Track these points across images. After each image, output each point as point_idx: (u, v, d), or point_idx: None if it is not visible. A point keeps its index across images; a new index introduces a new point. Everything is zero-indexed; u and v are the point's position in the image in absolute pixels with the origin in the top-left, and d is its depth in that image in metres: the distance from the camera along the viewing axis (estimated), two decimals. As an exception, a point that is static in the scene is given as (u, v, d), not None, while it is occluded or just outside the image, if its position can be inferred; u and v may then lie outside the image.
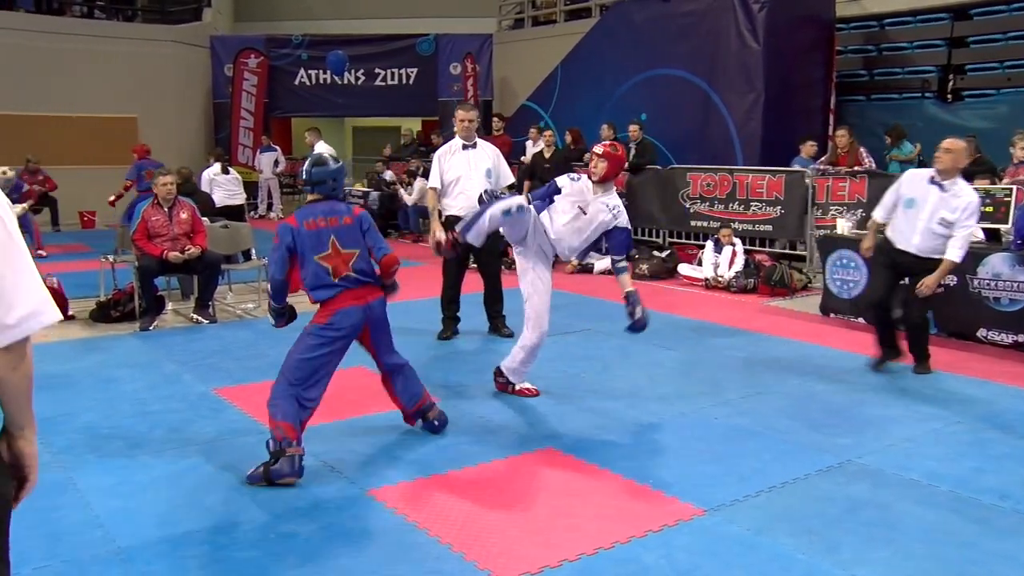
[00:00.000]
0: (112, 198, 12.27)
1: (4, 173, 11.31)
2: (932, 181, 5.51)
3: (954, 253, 5.42)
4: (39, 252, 11.57)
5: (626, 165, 11.11)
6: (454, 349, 6.53)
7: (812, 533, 3.41)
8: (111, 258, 8.19)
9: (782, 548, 3.29)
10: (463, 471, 4.09)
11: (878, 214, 5.92)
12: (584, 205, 4.99)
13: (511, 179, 6.82)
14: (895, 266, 5.72)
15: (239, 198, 11.87)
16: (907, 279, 5.69)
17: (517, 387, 5.27)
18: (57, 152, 14.34)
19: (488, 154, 6.62)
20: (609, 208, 4.98)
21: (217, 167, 11.77)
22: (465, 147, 6.57)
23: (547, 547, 3.30)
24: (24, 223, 11.85)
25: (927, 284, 5.48)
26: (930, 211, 5.47)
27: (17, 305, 1.73)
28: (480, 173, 6.54)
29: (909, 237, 5.58)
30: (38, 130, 14.57)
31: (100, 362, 6.13)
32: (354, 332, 4.35)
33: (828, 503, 3.70)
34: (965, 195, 5.43)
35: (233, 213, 10.93)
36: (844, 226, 7.95)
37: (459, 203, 6.51)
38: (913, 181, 5.66)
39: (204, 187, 11.28)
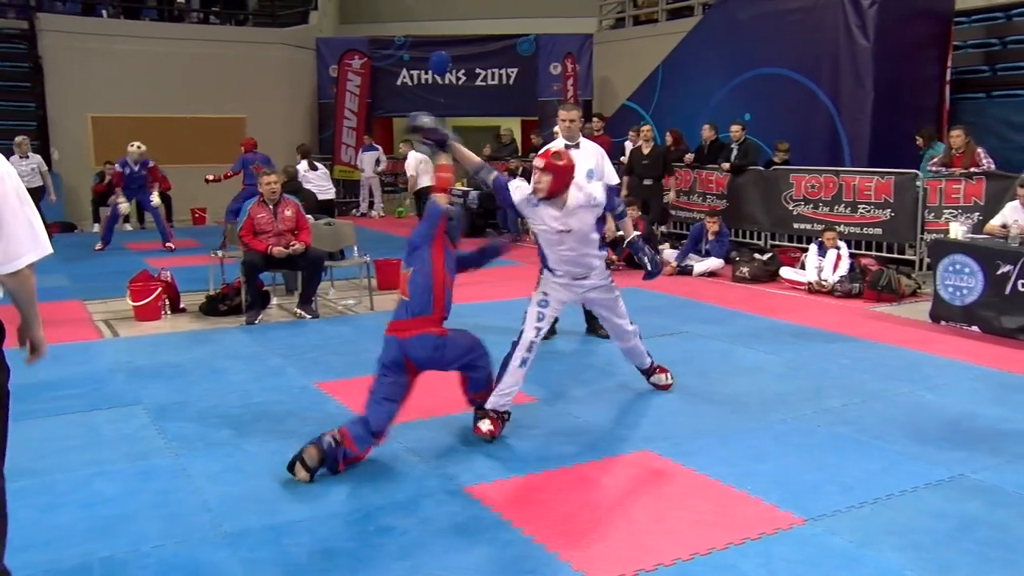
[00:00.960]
0: (211, 177, 12.64)
1: (139, 148, 11.89)
2: None
3: None
4: (167, 246, 12.06)
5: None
6: (551, 349, 6.52)
7: (921, 549, 3.27)
8: (220, 254, 8.51)
9: (889, 563, 3.17)
10: (559, 471, 4.09)
11: None
12: (563, 223, 4.67)
13: (615, 179, 6.72)
14: None
15: (329, 193, 12.09)
16: None
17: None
18: (172, 152, 15.01)
19: (591, 154, 6.57)
20: (585, 195, 4.68)
21: (305, 164, 11.94)
22: (567, 147, 6.56)
23: (642, 550, 3.27)
24: (154, 213, 12.37)
25: None
26: None
27: (13, 244, 2.60)
28: (581, 173, 6.51)
29: None
30: (157, 131, 15.27)
31: (210, 353, 6.37)
32: (397, 367, 4.14)
33: (939, 519, 3.55)
34: None
35: (324, 208, 11.14)
36: (958, 230, 7.60)
37: None
38: None
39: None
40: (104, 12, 16.89)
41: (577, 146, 6.52)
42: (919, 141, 10.01)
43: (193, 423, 4.78)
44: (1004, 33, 11.72)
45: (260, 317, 7.45)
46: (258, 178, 7.82)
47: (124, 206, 12.14)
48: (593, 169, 6.53)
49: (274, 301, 8.14)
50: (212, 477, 4.00)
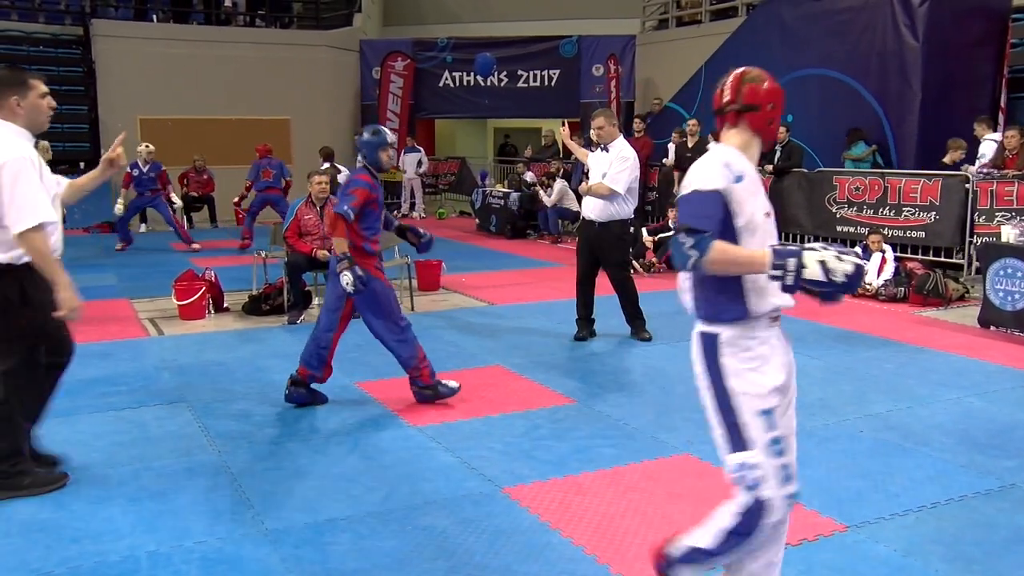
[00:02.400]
0: (236, 199, 12.89)
1: (147, 148, 12.06)
2: None
3: None
4: (193, 246, 12.20)
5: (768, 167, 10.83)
6: (589, 351, 6.51)
7: (971, 561, 3.20)
8: (263, 254, 8.61)
9: (936, 574, 3.11)
10: (597, 473, 4.08)
11: None
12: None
13: (616, 184, 6.55)
14: None
15: None
16: None
17: None
18: (218, 153, 15.25)
19: (610, 158, 6.61)
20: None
21: (327, 167, 12.24)
22: (593, 150, 6.91)
23: (682, 555, 3.24)
24: (165, 216, 12.46)
25: None
26: None
27: (13, 212, 3.48)
28: (596, 176, 6.69)
29: None
30: (204, 132, 15.55)
31: (252, 352, 6.46)
32: None
33: (990, 530, 3.47)
34: None
35: None
36: (1010, 233, 7.43)
37: (587, 202, 6.79)
38: None
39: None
40: (154, 17, 17.24)
41: (605, 149, 6.69)
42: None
43: (236, 421, 4.85)
44: (1064, 30, 11.46)
45: (302, 317, 7.53)
46: (309, 178, 7.86)
47: (119, 207, 12.11)
48: (607, 172, 6.60)
49: (316, 301, 8.21)
50: (254, 475, 4.06)
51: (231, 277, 8.83)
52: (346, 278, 4.77)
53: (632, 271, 7.40)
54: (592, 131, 6.75)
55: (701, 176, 2.58)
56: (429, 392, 5.13)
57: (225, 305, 8.01)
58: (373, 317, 5.10)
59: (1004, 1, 11.05)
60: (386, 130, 5.30)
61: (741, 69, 2.83)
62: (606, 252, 6.70)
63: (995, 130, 10.04)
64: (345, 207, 4.87)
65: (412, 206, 17.06)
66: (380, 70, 17.80)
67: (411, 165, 16.65)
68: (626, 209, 6.64)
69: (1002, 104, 11.06)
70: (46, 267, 3.55)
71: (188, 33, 16.64)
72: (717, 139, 2.77)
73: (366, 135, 5.19)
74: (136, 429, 4.71)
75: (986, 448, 4.39)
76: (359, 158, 5.22)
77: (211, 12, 17.83)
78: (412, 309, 8.04)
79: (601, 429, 4.70)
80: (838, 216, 10.25)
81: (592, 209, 6.66)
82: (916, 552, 3.26)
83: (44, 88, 3.72)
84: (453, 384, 5.17)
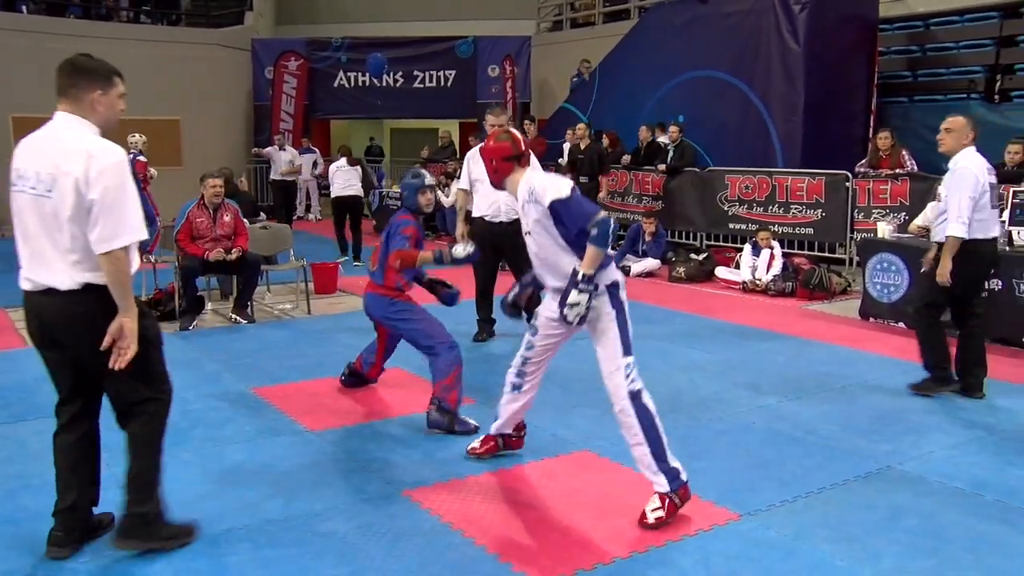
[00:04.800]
0: None
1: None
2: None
3: (949, 228, 5.03)
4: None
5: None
6: (487, 351, 6.53)
7: (852, 540, 3.36)
8: (152, 259, 8.32)
9: (821, 554, 3.25)
10: (499, 472, 4.09)
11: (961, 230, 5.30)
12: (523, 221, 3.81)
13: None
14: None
15: (352, 189, 12.35)
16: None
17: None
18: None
19: None
20: (529, 197, 3.66)
21: (344, 160, 12.19)
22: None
23: (582, 550, 3.29)
24: None
25: (939, 275, 5.08)
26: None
27: (104, 228, 2.90)
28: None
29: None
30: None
31: (142, 360, 6.22)
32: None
33: (869, 510, 3.65)
34: (955, 165, 5.12)
35: (353, 202, 12.17)
36: (885, 229, 7.82)
37: (481, 204, 6.69)
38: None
39: (330, 180, 12.24)
40: (24, 8, 16.30)
41: None
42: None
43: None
44: (924, 41, 12.11)
45: (195, 323, 7.31)
46: (202, 180, 7.61)
47: None
48: None
49: (209, 306, 7.99)
50: (145, 487, 3.90)
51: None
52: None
53: None
54: (492, 129, 6.48)
55: (557, 186, 3.60)
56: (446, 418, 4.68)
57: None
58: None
59: (874, 11, 11.61)
60: (426, 173, 5.22)
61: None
62: (515, 251, 6.70)
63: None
64: (406, 244, 4.85)
65: (308, 208, 16.77)
66: (273, 70, 17.44)
67: (307, 167, 16.34)
68: None
69: (874, 107, 11.61)
70: (123, 291, 2.99)
71: (64, 27, 15.73)
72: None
73: (407, 178, 5.14)
74: (14, 445, 4.47)
75: (867, 433, 4.61)
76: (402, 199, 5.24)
77: (90, 6, 17.04)
78: (309, 312, 7.90)
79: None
80: (729, 214, 10.58)
81: (496, 209, 6.60)
82: (804, 536, 3.40)
83: (123, 88, 3.22)
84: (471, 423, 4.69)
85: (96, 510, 3.42)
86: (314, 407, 5.09)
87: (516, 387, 4.08)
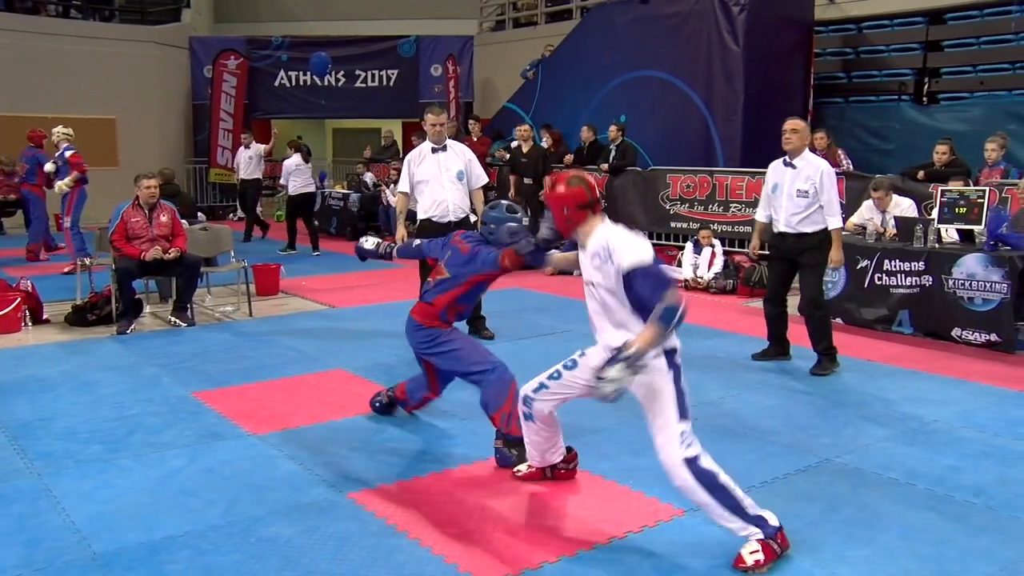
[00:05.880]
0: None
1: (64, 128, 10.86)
2: (785, 163, 5.89)
3: (833, 221, 5.75)
4: (43, 256, 11.22)
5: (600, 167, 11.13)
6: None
7: (793, 533, 3.41)
8: (88, 261, 8.11)
9: (762, 548, 3.30)
10: (444, 473, 4.09)
11: (759, 215, 6.20)
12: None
13: (485, 179, 6.86)
14: (781, 254, 6.02)
15: (311, 186, 12.50)
16: (798, 269, 6.01)
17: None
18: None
19: (459, 156, 6.64)
20: (603, 253, 3.35)
21: (298, 157, 12.16)
22: (435, 150, 6.61)
23: (528, 549, 3.30)
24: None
25: (834, 260, 5.84)
26: (788, 188, 5.83)
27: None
28: (451, 176, 6.58)
29: (779, 217, 5.92)
30: (12, 131, 14.39)
31: (79, 365, 6.07)
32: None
33: (809, 503, 3.73)
34: (813, 165, 5.78)
35: (313, 199, 12.32)
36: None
37: (428, 205, 6.60)
38: (774, 170, 6.02)
39: (283, 178, 12.31)
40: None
41: (444, 148, 6.61)
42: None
43: (60, 440, 4.54)
44: (857, 44, 12.43)
45: (132, 326, 7.15)
46: (137, 181, 7.43)
47: None
48: (462, 171, 6.59)
49: (147, 309, 7.83)
50: (82, 496, 3.81)
51: (52, 286, 8.28)
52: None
53: None
54: (434, 127, 6.48)
55: (638, 248, 3.25)
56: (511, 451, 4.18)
57: (45, 316, 7.49)
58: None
59: (810, 13, 11.86)
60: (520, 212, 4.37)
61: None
62: None
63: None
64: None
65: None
66: (212, 68, 17.13)
67: (244, 166, 16.06)
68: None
69: (811, 108, 11.86)
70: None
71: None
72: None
73: (499, 211, 4.30)
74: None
75: (806, 428, 4.71)
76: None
77: (12, -1, 16.44)
78: (251, 315, 7.79)
79: (447, 429, 4.71)
80: (671, 213, 10.70)
81: (443, 209, 6.56)
82: (747, 530, 3.45)
83: None
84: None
85: None
86: (256, 410, 5.02)
87: (527, 416, 3.79)
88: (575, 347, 3.73)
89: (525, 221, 4.31)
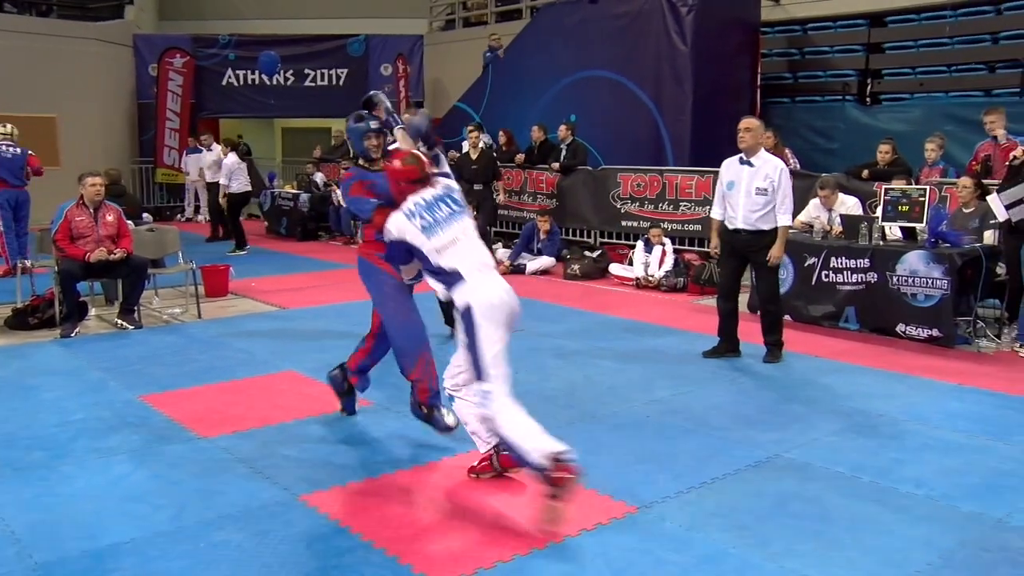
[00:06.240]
0: None
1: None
2: (742, 161, 6.03)
3: (783, 219, 5.94)
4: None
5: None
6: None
7: (744, 528, 3.47)
8: (29, 263, 7.91)
9: (715, 543, 3.35)
10: (396, 474, 4.06)
11: (715, 213, 6.32)
12: None
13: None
14: (735, 251, 6.16)
15: (249, 184, 12.49)
16: (750, 264, 6.22)
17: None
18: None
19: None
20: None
21: (234, 156, 12.05)
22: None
23: (482, 548, 3.30)
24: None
25: (774, 256, 5.96)
26: (746, 186, 5.97)
27: None
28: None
29: (736, 214, 6.04)
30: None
31: (18, 370, 5.92)
32: None
33: (759, 498, 3.78)
34: (771, 163, 5.98)
35: (249, 197, 12.31)
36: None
37: None
38: (729, 167, 6.15)
39: (224, 176, 12.17)
40: None
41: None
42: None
43: None
44: (803, 44, 12.63)
45: (77, 329, 6.99)
46: (81, 179, 7.26)
47: None
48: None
49: (92, 312, 7.66)
50: (21, 505, 3.71)
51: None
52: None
53: None
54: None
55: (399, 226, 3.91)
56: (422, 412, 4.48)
57: (-16, 320, 7.29)
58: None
59: (756, 14, 12.03)
60: (371, 116, 4.72)
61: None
62: None
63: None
64: (364, 208, 4.38)
65: (196, 209, 16.27)
66: (157, 67, 16.83)
67: (194, 167, 15.82)
68: None
69: (758, 107, 12.04)
70: None
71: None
72: None
73: (350, 122, 4.76)
74: None
75: (756, 424, 4.78)
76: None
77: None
78: (199, 316, 7.66)
79: (399, 430, 4.69)
80: (622, 211, 10.78)
81: None
82: (699, 526, 3.49)
83: None
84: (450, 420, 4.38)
85: None
86: (206, 414, 4.95)
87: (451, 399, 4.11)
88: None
89: (374, 125, 4.68)
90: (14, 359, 6.23)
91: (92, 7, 17.76)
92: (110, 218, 7.21)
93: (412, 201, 3.92)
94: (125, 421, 4.83)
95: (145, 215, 10.97)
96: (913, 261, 6.65)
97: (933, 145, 8.45)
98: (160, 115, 16.83)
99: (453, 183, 4.11)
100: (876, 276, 6.88)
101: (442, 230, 3.82)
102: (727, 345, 6.29)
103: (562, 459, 3.43)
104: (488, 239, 10.54)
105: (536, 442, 3.51)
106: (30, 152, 10.15)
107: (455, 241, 3.81)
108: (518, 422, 3.61)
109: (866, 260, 6.94)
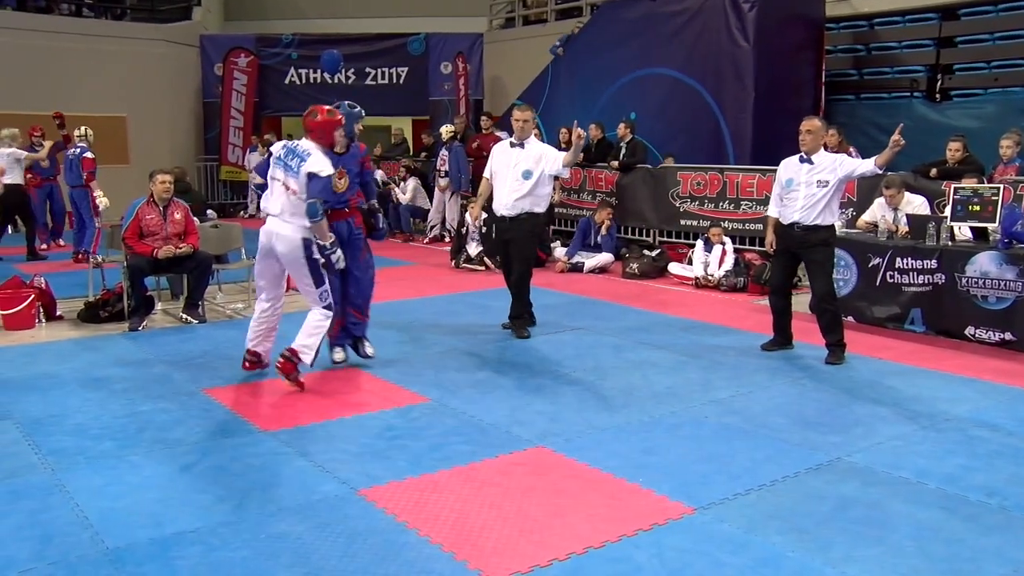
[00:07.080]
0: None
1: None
2: (802, 160, 6.08)
3: (866, 164, 6.03)
4: (41, 248, 11.43)
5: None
6: (444, 347, 6.50)
7: (802, 531, 3.41)
8: (100, 258, 8.15)
9: (773, 546, 3.30)
10: (453, 470, 4.09)
11: (771, 210, 6.34)
12: None
13: (558, 166, 6.77)
14: (788, 247, 6.16)
15: None
16: (802, 261, 6.22)
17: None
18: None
19: (533, 155, 6.76)
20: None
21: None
22: (513, 145, 6.87)
23: (537, 546, 3.30)
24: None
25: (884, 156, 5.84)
26: (806, 182, 5.99)
27: None
28: (516, 172, 6.76)
29: (792, 211, 6.05)
30: (27, 129, 14.48)
31: (90, 362, 6.10)
32: None
33: (819, 501, 3.71)
34: (831, 157, 6.11)
35: None
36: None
37: (496, 197, 6.89)
38: (787, 166, 6.20)
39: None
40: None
41: (522, 145, 6.78)
42: None
43: (71, 436, 4.56)
44: (868, 40, 12.37)
45: (144, 323, 7.18)
46: (152, 177, 7.47)
47: None
48: (530, 170, 6.70)
49: (159, 306, 7.86)
50: (93, 492, 3.83)
51: (64, 283, 8.31)
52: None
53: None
54: (516, 123, 6.76)
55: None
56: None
57: (58, 313, 7.52)
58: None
59: (820, 10, 11.81)
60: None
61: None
62: (517, 246, 6.84)
63: None
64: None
65: (259, 207, 16.55)
66: (222, 66, 17.19)
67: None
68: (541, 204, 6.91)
69: (821, 105, 11.82)
70: None
71: (2, 19, 15.30)
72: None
73: (344, 107, 5.73)
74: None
75: (816, 426, 4.69)
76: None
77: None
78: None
79: (456, 426, 4.71)
80: (681, 210, 10.68)
81: (501, 203, 6.80)
82: (757, 528, 3.45)
83: None
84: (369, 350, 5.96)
85: None
86: (266, 407, 5.04)
87: None
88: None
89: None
90: (86, 351, 6.43)
91: (162, 10, 18.23)
92: (178, 215, 7.38)
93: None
94: (189, 414, 4.94)
95: (209, 212, 11.22)
96: (984, 262, 6.46)
97: (1009, 142, 8.19)
98: (224, 113, 17.19)
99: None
100: (944, 277, 6.70)
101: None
102: (780, 339, 6.37)
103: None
104: (547, 238, 10.57)
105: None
106: (85, 154, 10.50)
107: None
108: None
109: (933, 261, 6.77)
